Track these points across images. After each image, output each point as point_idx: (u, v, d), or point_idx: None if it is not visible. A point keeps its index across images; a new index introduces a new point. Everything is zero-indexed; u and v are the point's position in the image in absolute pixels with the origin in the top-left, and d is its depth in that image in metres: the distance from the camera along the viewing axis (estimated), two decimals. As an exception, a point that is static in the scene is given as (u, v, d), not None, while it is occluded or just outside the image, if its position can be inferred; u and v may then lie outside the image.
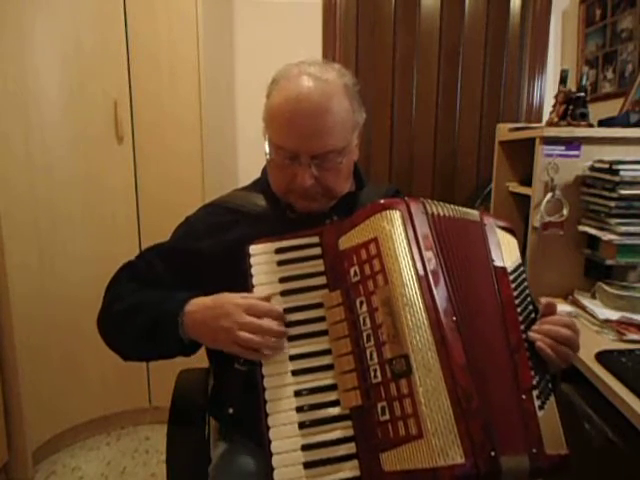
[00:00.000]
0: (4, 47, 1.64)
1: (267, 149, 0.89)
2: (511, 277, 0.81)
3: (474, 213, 0.85)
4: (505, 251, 0.84)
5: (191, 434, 0.92)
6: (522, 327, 0.78)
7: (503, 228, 0.88)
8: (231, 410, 0.90)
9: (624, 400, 0.92)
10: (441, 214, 0.78)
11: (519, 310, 0.79)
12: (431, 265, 0.72)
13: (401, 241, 0.73)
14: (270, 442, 0.70)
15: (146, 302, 0.87)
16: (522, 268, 0.86)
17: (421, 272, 0.71)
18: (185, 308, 0.81)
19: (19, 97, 1.69)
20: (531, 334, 0.77)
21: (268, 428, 0.71)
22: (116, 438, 2.07)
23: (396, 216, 0.74)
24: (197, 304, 0.81)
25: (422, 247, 0.73)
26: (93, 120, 1.87)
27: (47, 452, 1.92)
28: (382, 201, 0.76)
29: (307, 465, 0.69)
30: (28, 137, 1.73)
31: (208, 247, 0.91)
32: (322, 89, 0.84)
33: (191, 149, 1.95)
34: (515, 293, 0.80)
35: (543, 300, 0.83)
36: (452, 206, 0.82)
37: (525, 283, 0.84)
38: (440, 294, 0.71)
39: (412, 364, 0.67)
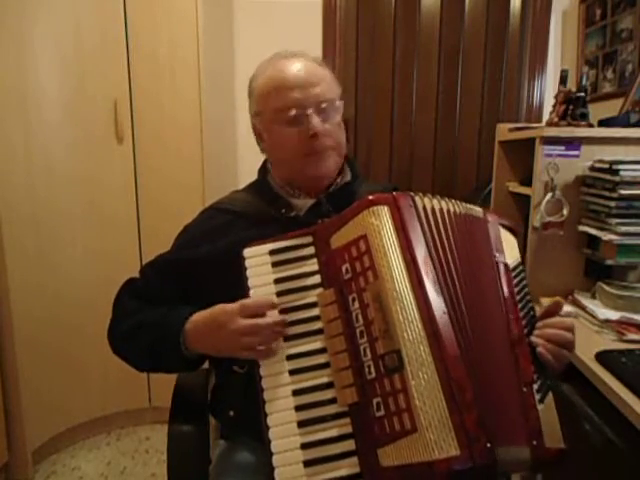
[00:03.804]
0: (4, 47, 1.64)
1: (273, 127, 0.93)
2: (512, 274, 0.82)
3: (477, 209, 0.85)
4: (507, 249, 0.84)
5: (191, 434, 0.92)
6: (523, 322, 0.78)
7: (505, 226, 0.89)
8: (232, 413, 0.91)
9: (624, 400, 0.92)
10: (434, 207, 0.78)
11: (520, 306, 0.80)
12: (422, 259, 0.72)
13: (389, 236, 0.73)
14: (270, 442, 0.71)
15: (147, 323, 0.89)
16: (521, 267, 0.86)
17: (411, 266, 0.71)
18: (185, 327, 0.83)
19: (19, 97, 1.69)
20: (533, 339, 0.77)
21: (268, 428, 0.72)
22: (116, 438, 2.07)
23: (384, 211, 0.74)
24: (194, 321, 0.83)
25: (412, 241, 0.73)
26: (93, 120, 1.87)
27: (47, 452, 1.92)
28: (370, 197, 0.76)
29: (307, 463, 0.69)
30: (28, 137, 1.73)
31: (206, 253, 0.92)
32: (301, 60, 0.94)
33: (191, 149, 1.95)
34: (516, 290, 0.81)
35: (543, 301, 0.84)
36: (454, 201, 0.82)
37: (524, 282, 0.84)
38: (432, 287, 0.71)
39: (404, 359, 0.67)
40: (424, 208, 0.77)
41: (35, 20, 1.71)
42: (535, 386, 0.73)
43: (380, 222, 0.74)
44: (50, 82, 1.78)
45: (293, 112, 0.90)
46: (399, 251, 0.72)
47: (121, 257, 1.96)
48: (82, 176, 1.88)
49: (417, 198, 0.77)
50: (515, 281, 0.82)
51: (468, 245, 0.79)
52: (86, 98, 1.85)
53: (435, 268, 0.72)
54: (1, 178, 1.65)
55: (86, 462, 1.92)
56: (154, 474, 1.84)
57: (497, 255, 0.81)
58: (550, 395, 0.76)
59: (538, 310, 0.86)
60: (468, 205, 0.84)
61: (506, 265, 0.82)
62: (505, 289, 0.79)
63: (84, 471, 1.87)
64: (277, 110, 0.91)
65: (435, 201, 0.79)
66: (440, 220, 0.78)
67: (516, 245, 0.90)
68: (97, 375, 1.98)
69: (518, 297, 0.80)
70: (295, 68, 0.93)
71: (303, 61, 0.94)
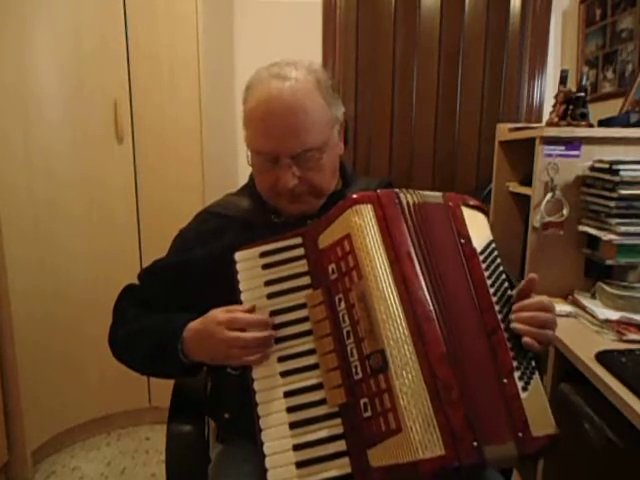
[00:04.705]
0: (4, 47, 1.64)
1: (248, 156, 0.90)
2: (482, 257, 0.78)
3: (437, 195, 0.82)
4: (474, 230, 0.80)
5: (190, 434, 0.92)
6: (497, 307, 0.75)
7: (471, 206, 0.84)
8: (227, 415, 0.91)
9: (624, 400, 0.92)
10: (415, 202, 0.77)
11: (493, 290, 0.76)
12: (406, 256, 0.71)
13: (373, 235, 0.72)
14: (263, 443, 0.71)
15: (147, 331, 0.90)
16: (493, 245, 0.82)
17: (395, 265, 0.71)
18: (183, 335, 0.83)
19: (19, 97, 1.69)
20: (514, 325, 0.74)
21: (260, 430, 0.72)
22: (116, 438, 2.06)
23: (367, 210, 0.74)
24: (190, 329, 0.83)
25: (395, 239, 0.72)
26: (93, 120, 1.87)
27: (47, 452, 1.92)
28: (354, 196, 0.76)
29: (299, 465, 0.69)
30: (28, 137, 1.72)
31: (200, 256, 0.93)
32: (292, 88, 0.84)
33: (191, 149, 1.95)
34: (487, 273, 0.77)
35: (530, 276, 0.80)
36: (417, 191, 0.80)
37: (498, 260, 0.81)
38: (416, 285, 0.70)
39: (388, 358, 0.66)
40: (408, 204, 0.76)
41: (35, 20, 1.71)
42: (517, 373, 0.71)
43: (363, 221, 0.73)
44: (50, 82, 1.78)
45: (267, 164, 0.87)
46: (383, 250, 0.72)
47: (121, 257, 1.96)
48: (82, 176, 1.88)
49: (401, 195, 0.76)
50: (485, 265, 0.78)
51: (436, 236, 0.77)
52: (86, 98, 1.85)
53: (420, 265, 0.72)
54: (1, 178, 1.65)
55: (86, 462, 1.92)
56: (154, 474, 1.84)
57: (463, 242, 0.78)
58: (536, 378, 0.73)
59: None
60: (426, 192, 0.81)
61: (473, 250, 0.78)
62: (474, 277, 0.76)
63: (84, 471, 1.87)
64: (252, 148, 0.88)
65: (412, 196, 0.78)
66: (421, 214, 0.76)
67: (486, 223, 0.85)
68: (97, 375, 1.98)
69: (490, 281, 0.77)
70: (279, 110, 0.83)
71: (295, 91, 0.84)
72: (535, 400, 0.71)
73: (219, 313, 0.79)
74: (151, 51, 1.89)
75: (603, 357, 1.06)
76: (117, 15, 1.85)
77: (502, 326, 0.74)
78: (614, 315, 1.28)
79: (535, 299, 0.78)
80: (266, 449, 0.71)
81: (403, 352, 0.67)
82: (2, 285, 1.67)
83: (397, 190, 0.77)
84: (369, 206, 0.74)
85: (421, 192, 0.80)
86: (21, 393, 1.74)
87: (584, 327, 1.28)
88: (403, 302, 0.69)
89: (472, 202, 0.85)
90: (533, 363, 0.74)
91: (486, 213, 0.87)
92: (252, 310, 0.78)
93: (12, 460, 1.77)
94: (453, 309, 0.72)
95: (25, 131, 1.72)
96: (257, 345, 0.75)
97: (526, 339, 0.73)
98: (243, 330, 0.76)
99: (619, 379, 0.97)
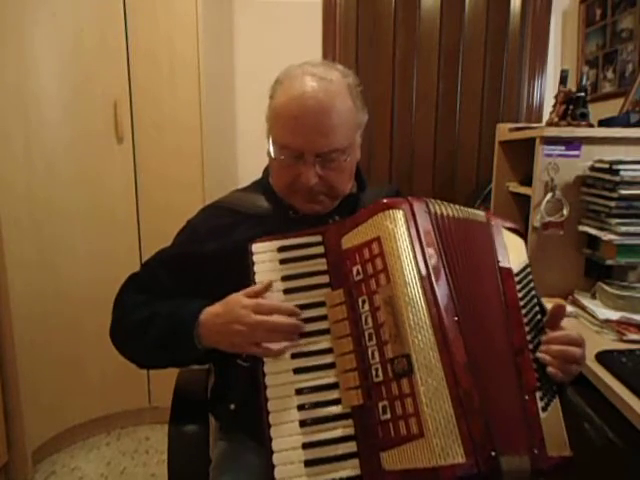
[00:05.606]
0: (4, 47, 1.64)
1: (271, 149, 0.89)
2: (517, 278, 0.81)
3: (481, 214, 0.85)
4: (512, 252, 0.83)
5: (192, 434, 0.92)
6: (527, 329, 0.78)
7: (510, 229, 0.88)
8: (233, 406, 0.91)
9: (624, 400, 0.92)
10: (445, 214, 0.78)
11: (524, 312, 0.79)
12: (434, 265, 0.72)
13: (404, 240, 0.73)
14: (271, 440, 0.71)
15: (157, 315, 0.88)
16: (529, 269, 0.85)
17: (423, 271, 0.71)
18: (199, 319, 0.81)
19: (19, 97, 1.69)
20: (541, 355, 0.76)
21: (269, 426, 0.71)
22: (116, 438, 2.06)
23: (399, 215, 0.74)
24: (209, 313, 0.81)
25: (425, 246, 0.73)
26: (93, 120, 1.87)
27: (47, 452, 1.92)
28: (385, 200, 0.76)
29: (308, 463, 0.69)
30: (28, 137, 1.72)
31: (212, 249, 0.92)
32: (326, 88, 0.85)
33: (191, 149, 1.95)
34: (521, 294, 0.80)
35: (543, 301, 0.83)
36: (458, 206, 0.82)
37: (531, 284, 0.84)
38: (443, 293, 0.71)
39: (414, 363, 0.67)
40: (435, 214, 0.77)
41: (35, 20, 1.71)
42: (539, 393, 0.73)
43: (395, 226, 0.74)
44: (50, 82, 1.78)
45: (290, 160, 0.86)
46: (412, 256, 0.72)
47: (121, 257, 1.96)
48: (82, 176, 1.88)
49: (430, 204, 0.77)
50: (519, 286, 0.81)
51: (473, 252, 0.79)
52: (86, 98, 1.84)
53: (446, 274, 0.73)
54: (1, 177, 1.65)
55: (86, 462, 1.92)
56: (154, 474, 1.84)
57: (500, 261, 0.80)
58: (556, 400, 0.76)
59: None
60: (471, 210, 0.84)
61: (509, 271, 0.81)
62: (508, 296, 0.78)
63: (84, 471, 1.87)
64: (278, 142, 0.88)
65: (445, 207, 0.79)
66: (452, 227, 0.78)
67: (523, 246, 0.89)
68: (97, 375, 1.98)
69: (522, 302, 0.79)
70: (312, 108, 0.83)
71: (329, 91, 0.85)
72: (553, 422, 0.73)
73: (242, 297, 0.78)
74: (151, 51, 1.89)
75: (603, 357, 1.07)
76: (117, 15, 1.84)
77: (530, 347, 0.77)
78: (614, 315, 1.28)
79: (565, 332, 0.80)
80: (275, 445, 0.70)
81: (429, 358, 0.67)
82: (2, 284, 1.67)
83: (427, 199, 0.78)
84: (400, 212, 0.75)
85: (465, 208, 0.82)
86: (21, 393, 1.74)
87: (584, 327, 1.28)
88: (430, 309, 0.69)
89: (511, 225, 0.89)
90: (555, 387, 0.76)
91: (523, 237, 0.90)
92: (268, 288, 0.78)
93: (12, 460, 1.77)
94: (482, 323, 0.74)
95: (25, 131, 1.71)
96: (284, 330, 0.74)
97: (550, 369, 0.75)
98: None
99: (619, 379, 0.97)
